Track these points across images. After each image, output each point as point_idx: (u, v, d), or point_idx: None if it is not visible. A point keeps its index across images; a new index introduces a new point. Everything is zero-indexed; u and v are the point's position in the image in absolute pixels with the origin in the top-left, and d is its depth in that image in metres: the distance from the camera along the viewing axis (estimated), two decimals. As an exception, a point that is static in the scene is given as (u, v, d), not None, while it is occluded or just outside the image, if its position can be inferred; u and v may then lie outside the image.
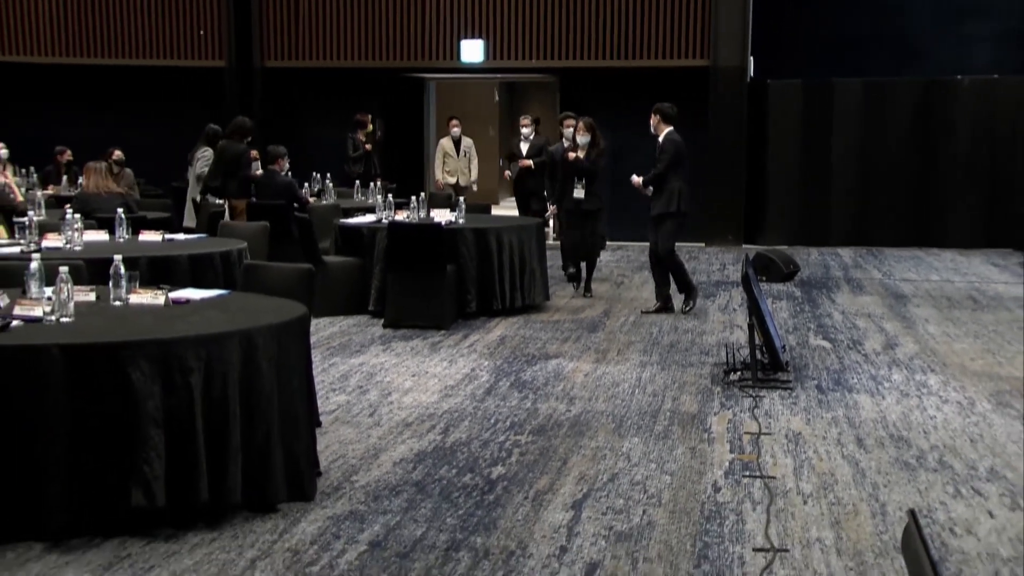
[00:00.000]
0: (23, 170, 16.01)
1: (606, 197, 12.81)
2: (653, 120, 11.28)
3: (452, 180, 16.38)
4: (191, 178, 14.36)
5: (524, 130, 15.82)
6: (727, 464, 6.37)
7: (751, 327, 8.28)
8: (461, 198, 12.30)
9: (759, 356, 8.26)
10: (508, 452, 6.56)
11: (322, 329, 10.02)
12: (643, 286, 13.17)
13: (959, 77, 17.66)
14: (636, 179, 11.29)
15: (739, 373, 8.35)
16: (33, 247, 8.24)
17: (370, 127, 17.36)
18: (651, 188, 11.11)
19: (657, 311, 11.26)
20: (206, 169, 13.59)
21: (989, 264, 15.67)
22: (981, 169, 17.56)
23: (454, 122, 16.72)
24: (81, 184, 15.68)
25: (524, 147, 15.70)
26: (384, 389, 8.04)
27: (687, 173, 11.26)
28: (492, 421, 7.22)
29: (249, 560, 4.89)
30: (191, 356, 5.10)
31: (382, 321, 10.38)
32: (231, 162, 12.43)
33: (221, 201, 12.56)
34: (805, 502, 5.75)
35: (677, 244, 11.22)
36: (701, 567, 4.89)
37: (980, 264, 15.67)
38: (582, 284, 12.49)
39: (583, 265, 12.52)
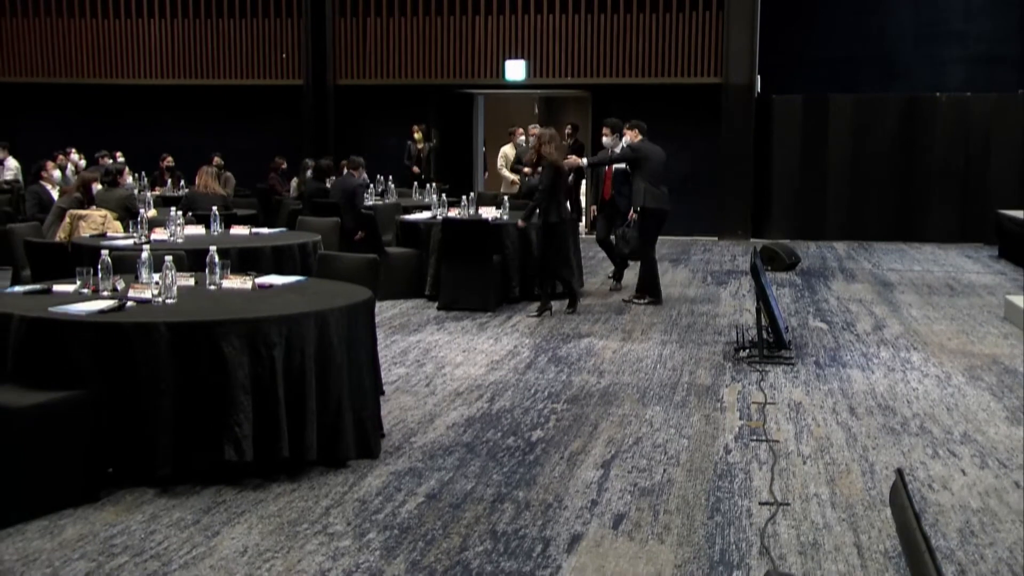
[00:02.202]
0: (136, 175, 16.18)
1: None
2: (630, 135, 10.67)
3: (516, 188, 14.58)
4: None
5: (534, 139, 14.49)
6: (737, 429, 6.34)
7: (758, 310, 8.25)
8: (506, 197, 12.09)
9: (765, 336, 8.22)
10: (546, 418, 6.55)
11: (385, 311, 10.05)
12: (663, 274, 13.08)
13: (937, 94, 17.56)
14: (576, 159, 10.91)
15: (747, 350, 8.31)
16: (144, 239, 8.33)
17: (418, 135, 17.39)
18: (588, 170, 10.94)
19: (647, 302, 10.62)
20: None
21: (963, 256, 15.52)
22: (956, 174, 17.47)
23: (520, 130, 15.37)
24: (183, 183, 15.90)
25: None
26: (438, 363, 8.05)
27: (655, 176, 10.49)
28: (532, 391, 7.22)
29: (324, 508, 4.92)
30: (274, 332, 5.13)
31: (437, 304, 10.38)
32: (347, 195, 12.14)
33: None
34: (804, 462, 5.72)
35: (708, 239, 11.10)
36: (714, 518, 4.87)
37: (956, 256, 15.53)
38: (564, 304, 10.29)
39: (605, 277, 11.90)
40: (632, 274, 11.34)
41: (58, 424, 4.81)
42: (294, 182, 14.86)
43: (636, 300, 10.68)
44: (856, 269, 14.02)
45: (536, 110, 24.36)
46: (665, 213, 10.68)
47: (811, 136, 17.80)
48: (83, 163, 16.10)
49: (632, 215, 10.84)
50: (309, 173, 13.81)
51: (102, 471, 5.04)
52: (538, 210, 9.95)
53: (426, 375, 7.64)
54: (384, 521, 4.78)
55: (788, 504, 5.07)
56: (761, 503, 5.07)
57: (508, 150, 15.59)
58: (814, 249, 16.33)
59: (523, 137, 14.97)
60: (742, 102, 17.53)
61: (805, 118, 17.81)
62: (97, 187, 10.32)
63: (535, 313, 10.01)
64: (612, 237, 11.09)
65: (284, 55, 19.12)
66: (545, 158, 9.95)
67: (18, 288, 6.10)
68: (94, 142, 17.45)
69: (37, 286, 6.01)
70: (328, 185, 12.60)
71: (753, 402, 6.97)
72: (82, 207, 10.52)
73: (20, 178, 15.60)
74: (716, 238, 17.69)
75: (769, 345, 8.23)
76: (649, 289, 10.71)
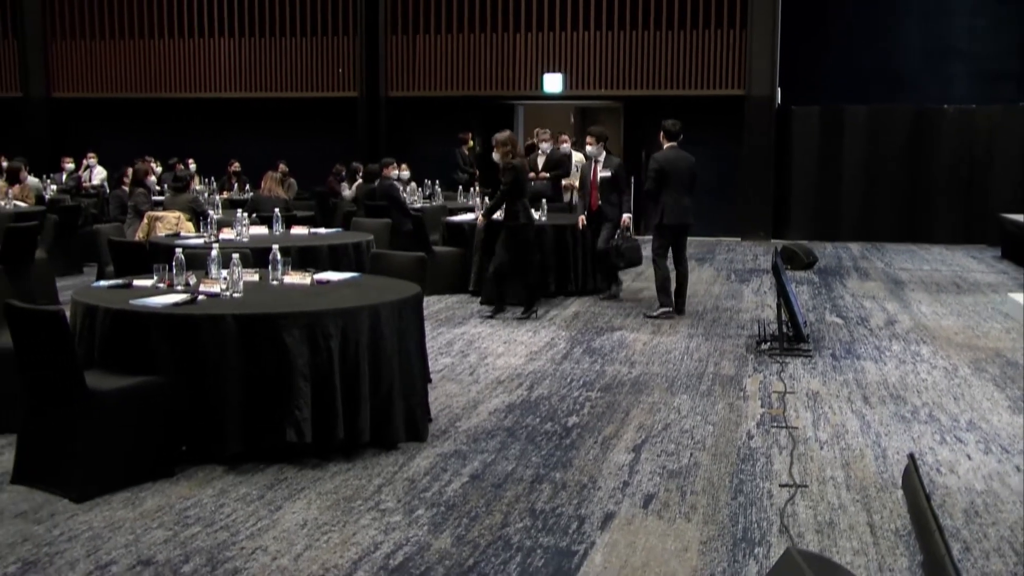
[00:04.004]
0: (205, 179, 16.32)
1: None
2: (660, 136, 9.59)
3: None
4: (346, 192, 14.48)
5: (543, 144, 12.89)
6: (758, 417, 6.30)
7: (779, 306, 8.19)
8: (543, 200, 11.85)
9: (785, 330, 8.15)
10: (581, 405, 6.54)
11: (432, 305, 10.06)
12: (690, 272, 13.01)
13: (944, 106, 17.40)
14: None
15: (768, 343, 8.25)
16: (213, 239, 8.39)
17: (471, 143, 17.38)
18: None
19: (656, 315, 9.58)
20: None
21: (969, 257, 15.34)
22: (962, 180, 17.32)
23: (563, 137, 13.60)
24: (249, 187, 16.01)
25: (540, 160, 12.83)
26: (481, 353, 8.06)
27: (683, 186, 9.42)
28: (568, 380, 7.21)
29: (376, 486, 4.94)
30: (331, 324, 5.16)
31: (480, 299, 10.36)
32: (387, 195, 11.90)
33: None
34: (821, 448, 5.67)
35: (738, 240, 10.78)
36: (737, 499, 4.85)
37: (962, 257, 15.35)
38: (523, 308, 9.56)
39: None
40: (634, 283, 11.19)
41: (138, 406, 4.87)
42: (344, 186, 14.83)
43: (650, 314, 9.67)
44: (869, 268, 13.89)
45: (572, 119, 24.35)
46: (684, 227, 9.60)
47: (827, 144, 17.69)
48: (159, 169, 16.27)
49: (624, 221, 9.85)
50: (359, 177, 13.84)
51: (177, 449, 5.10)
52: (502, 210, 9.32)
53: (470, 365, 7.65)
54: (431, 499, 4.79)
55: (806, 486, 5.03)
56: (781, 485, 5.04)
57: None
58: (830, 249, 16.20)
59: (567, 145, 13.49)
60: (763, 113, 17.43)
61: (822, 127, 17.70)
62: (152, 179, 10.46)
63: (489, 313, 9.51)
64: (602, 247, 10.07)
65: (340, 70, 19.22)
66: (507, 162, 9.24)
67: (103, 283, 6.18)
68: (169, 150, 17.67)
69: (119, 281, 6.08)
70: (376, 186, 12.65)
71: (774, 391, 6.92)
72: (149, 200, 10.69)
73: (106, 184, 15.80)
74: (739, 239, 17.60)
75: (789, 338, 8.17)
76: (662, 298, 9.67)
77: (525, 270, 9.50)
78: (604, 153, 10.17)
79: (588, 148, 10.20)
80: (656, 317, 9.57)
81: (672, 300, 9.72)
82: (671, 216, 9.42)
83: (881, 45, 18.16)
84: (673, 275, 9.84)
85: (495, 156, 9.55)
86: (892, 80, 18.08)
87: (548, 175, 12.69)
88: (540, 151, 12.86)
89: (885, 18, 18.16)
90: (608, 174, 10.02)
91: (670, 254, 9.69)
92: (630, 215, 10.08)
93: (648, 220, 9.97)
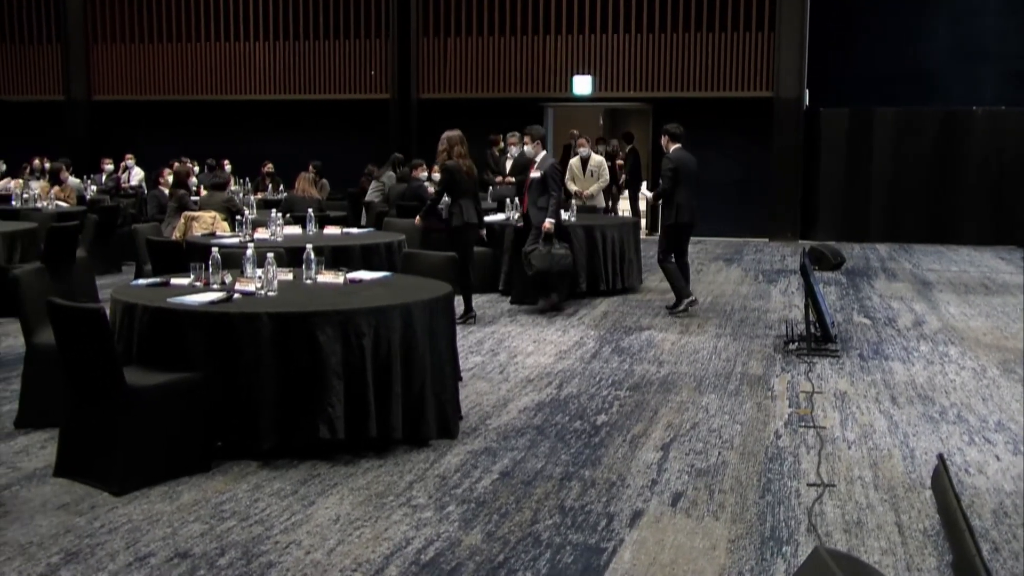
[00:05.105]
0: (240, 180, 16.40)
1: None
2: (663, 140, 9.62)
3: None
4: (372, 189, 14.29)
5: (512, 148, 12.32)
6: (786, 416, 6.26)
7: (807, 307, 8.14)
8: (572, 201, 11.81)
9: (813, 330, 8.10)
10: (610, 404, 6.53)
11: (462, 304, 10.05)
12: (718, 273, 13.00)
13: (973, 108, 17.23)
14: (647, 194, 10.08)
15: (796, 343, 8.21)
16: (248, 238, 8.42)
17: (501, 144, 17.36)
18: (660, 201, 9.44)
19: (683, 308, 9.57)
20: (377, 195, 13.50)
21: (997, 258, 15.18)
22: (990, 181, 17.14)
23: (582, 140, 12.83)
24: (283, 188, 16.09)
25: (508, 164, 12.52)
26: (511, 352, 8.05)
27: (693, 186, 9.49)
28: (597, 379, 7.19)
29: (408, 482, 4.95)
30: (364, 323, 5.17)
31: (509, 298, 10.36)
32: (415, 195, 11.89)
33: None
34: (849, 447, 5.63)
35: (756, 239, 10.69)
36: (765, 498, 4.82)
37: (990, 258, 15.19)
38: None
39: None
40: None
41: (176, 402, 4.90)
42: (372, 185, 14.75)
43: (676, 311, 9.63)
44: (897, 269, 13.77)
45: (601, 121, 24.32)
46: (694, 225, 9.63)
47: (856, 146, 17.57)
48: (196, 168, 16.38)
49: (546, 227, 9.23)
50: (384, 179, 13.81)
51: (213, 444, 5.13)
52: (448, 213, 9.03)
53: (500, 363, 7.65)
54: (462, 495, 4.80)
55: (834, 486, 5.00)
56: (809, 484, 5.01)
57: (575, 162, 14.53)
58: (858, 250, 16.07)
59: (585, 148, 12.75)
60: (792, 114, 17.33)
61: (850, 129, 17.58)
62: (193, 180, 10.54)
63: (460, 319, 8.75)
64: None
65: (373, 72, 19.28)
66: (442, 161, 8.99)
67: (141, 281, 6.23)
68: (205, 152, 17.79)
69: (157, 279, 6.13)
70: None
71: (801, 391, 6.88)
72: (189, 200, 10.77)
73: (144, 185, 15.94)
74: (767, 239, 17.51)
75: (816, 339, 8.12)
76: (678, 293, 9.61)
77: (464, 271, 8.83)
78: (542, 154, 9.54)
79: (525, 148, 9.84)
80: (682, 311, 9.60)
81: (689, 289, 9.83)
82: (686, 214, 9.51)
83: (909, 47, 18.01)
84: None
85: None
86: (920, 82, 17.92)
87: (514, 179, 12.33)
88: (508, 155, 12.42)
89: (913, 20, 18.00)
90: (538, 175, 9.34)
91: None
92: (553, 221, 9.30)
93: (663, 220, 9.90)
